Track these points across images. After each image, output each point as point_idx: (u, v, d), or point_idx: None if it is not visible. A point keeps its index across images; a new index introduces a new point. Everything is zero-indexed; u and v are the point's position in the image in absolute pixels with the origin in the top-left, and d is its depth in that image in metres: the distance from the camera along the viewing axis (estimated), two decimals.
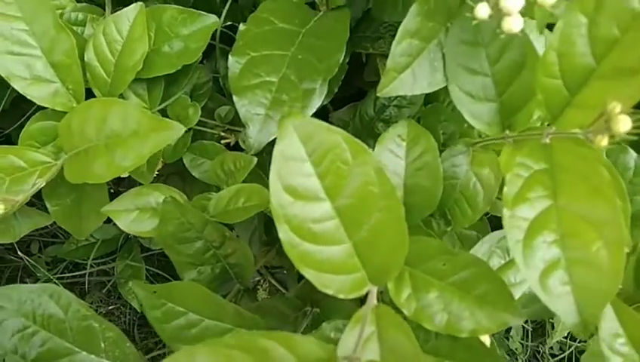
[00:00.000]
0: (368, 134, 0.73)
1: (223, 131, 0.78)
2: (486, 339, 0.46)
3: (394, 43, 0.50)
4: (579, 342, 1.13)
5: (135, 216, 0.65)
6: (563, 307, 0.35)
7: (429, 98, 0.68)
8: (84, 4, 0.69)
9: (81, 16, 0.68)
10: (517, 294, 0.54)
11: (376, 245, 0.37)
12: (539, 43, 0.49)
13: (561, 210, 0.36)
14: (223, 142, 0.77)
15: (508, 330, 1.12)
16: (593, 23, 0.38)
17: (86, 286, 1.10)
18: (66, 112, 0.60)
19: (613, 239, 0.34)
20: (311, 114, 0.55)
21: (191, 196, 0.70)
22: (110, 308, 1.13)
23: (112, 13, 0.66)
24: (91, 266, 1.05)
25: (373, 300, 0.38)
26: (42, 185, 0.58)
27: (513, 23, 0.41)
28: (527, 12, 0.41)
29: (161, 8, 0.65)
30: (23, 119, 0.73)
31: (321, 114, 0.56)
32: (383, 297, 0.42)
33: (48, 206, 0.64)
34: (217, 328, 0.53)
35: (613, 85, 0.38)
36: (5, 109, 0.75)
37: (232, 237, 0.63)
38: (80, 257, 1.04)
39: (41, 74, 0.60)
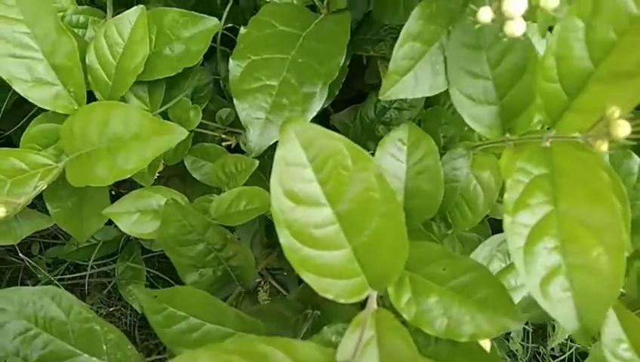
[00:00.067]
0: (369, 137, 0.73)
1: (224, 133, 0.78)
2: (486, 343, 0.47)
3: (396, 46, 0.51)
4: (579, 344, 1.13)
5: (136, 218, 0.65)
6: (563, 313, 0.34)
7: (430, 101, 0.68)
8: (86, 6, 0.69)
9: (82, 18, 0.68)
10: (517, 298, 0.54)
11: (376, 250, 0.38)
12: (541, 46, 0.49)
13: (561, 216, 0.36)
14: (223, 144, 0.77)
15: (508, 332, 1.12)
16: (590, 26, 0.39)
17: (86, 287, 1.10)
18: (67, 115, 0.60)
19: (614, 244, 0.34)
20: (311, 118, 0.55)
21: (192, 198, 0.70)
22: (111, 309, 1.13)
23: (113, 15, 0.66)
24: (92, 268, 1.05)
25: (373, 305, 0.38)
26: (44, 188, 0.58)
27: (516, 27, 0.41)
28: (529, 15, 0.42)
29: (162, 11, 0.65)
30: (23, 121, 0.73)
31: (322, 116, 0.56)
32: (384, 301, 0.42)
33: (49, 208, 0.65)
34: (218, 332, 0.53)
35: (611, 89, 0.38)
36: (6, 111, 0.76)
37: (233, 240, 0.64)
38: (81, 258, 1.04)
39: (43, 76, 0.60)
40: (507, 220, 0.37)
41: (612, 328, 0.43)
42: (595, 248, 0.35)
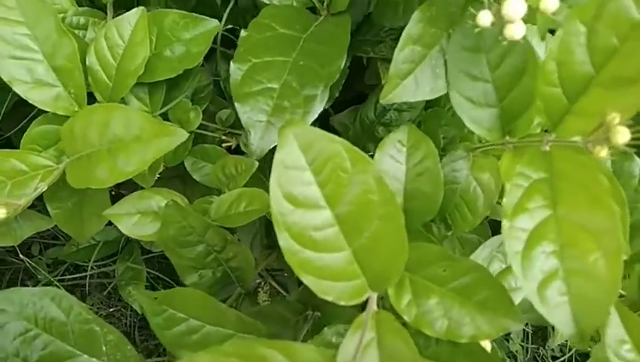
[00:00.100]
0: (369, 138, 0.73)
1: (224, 134, 0.78)
2: (487, 344, 0.47)
3: (397, 49, 0.51)
4: (577, 347, 1.13)
5: (136, 219, 0.65)
6: (560, 317, 0.35)
7: (430, 102, 0.68)
8: (86, 8, 0.69)
9: (82, 20, 0.68)
10: (517, 299, 0.54)
11: (375, 252, 0.38)
12: (540, 49, 0.49)
13: (560, 220, 0.36)
14: (224, 145, 0.77)
15: (508, 333, 1.12)
16: (592, 31, 0.39)
17: (87, 288, 1.11)
18: (67, 116, 0.60)
19: (612, 249, 0.34)
20: (312, 120, 0.55)
21: (192, 199, 0.70)
22: (111, 310, 1.13)
23: (113, 17, 0.66)
24: (92, 268, 1.05)
25: (373, 306, 0.38)
26: (44, 189, 0.58)
27: (515, 30, 0.41)
28: (529, 18, 0.42)
29: (162, 13, 0.65)
30: (24, 122, 0.74)
31: (322, 117, 0.56)
32: (384, 303, 0.42)
33: (49, 209, 0.65)
34: (218, 334, 0.53)
35: (612, 94, 0.38)
36: (6, 112, 0.76)
37: (233, 241, 0.64)
38: (81, 259, 1.04)
39: (43, 78, 0.60)
40: (505, 224, 0.37)
41: (615, 329, 0.43)
42: (592, 253, 0.35)
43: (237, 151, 0.78)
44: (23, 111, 0.72)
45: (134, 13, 0.62)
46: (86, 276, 1.07)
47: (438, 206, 0.52)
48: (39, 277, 1.07)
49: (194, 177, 0.75)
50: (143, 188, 0.67)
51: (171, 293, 0.55)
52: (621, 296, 0.50)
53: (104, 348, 0.49)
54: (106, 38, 0.62)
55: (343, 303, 0.37)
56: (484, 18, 0.42)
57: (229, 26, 0.73)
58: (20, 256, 0.99)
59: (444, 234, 0.56)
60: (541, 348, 1.16)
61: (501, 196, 0.53)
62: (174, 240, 0.61)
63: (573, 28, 0.39)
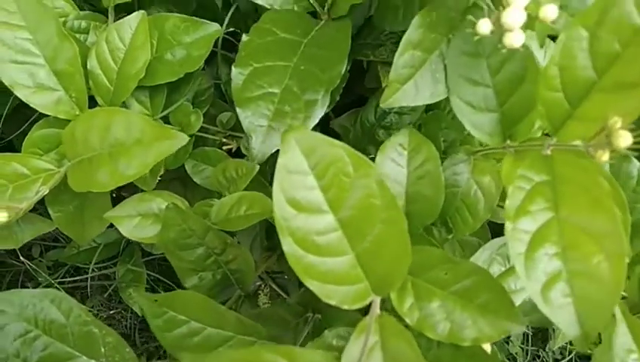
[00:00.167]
0: (369, 141, 0.73)
1: (225, 137, 0.78)
2: (487, 346, 0.47)
3: (396, 54, 0.51)
4: (580, 349, 1.13)
5: (137, 222, 0.65)
6: (564, 319, 0.35)
7: (430, 105, 0.69)
8: (87, 11, 0.69)
9: (84, 23, 0.68)
10: (517, 301, 0.54)
11: (379, 256, 0.38)
12: (539, 54, 0.50)
13: (562, 222, 0.37)
14: (224, 148, 0.77)
15: (508, 335, 1.12)
16: (594, 37, 0.39)
17: (87, 290, 1.11)
18: (68, 120, 0.60)
19: (614, 251, 0.35)
20: (314, 124, 0.55)
21: (192, 202, 0.70)
22: (111, 312, 1.13)
23: (114, 20, 0.66)
24: (92, 270, 1.05)
25: (376, 310, 0.39)
26: (45, 193, 0.58)
27: (515, 39, 0.41)
28: (528, 25, 0.42)
29: (163, 16, 0.66)
30: (25, 126, 0.74)
31: (322, 121, 0.56)
32: (385, 305, 0.42)
33: (51, 212, 0.65)
34: (219, 336, 0.53)
35: (614, 99, 0.38)
36: (7, 116, 0.76)
37: (233, 244, 0.64)
38: (81, 261, 1.04)
39: (45, 82, 0.60)
40: (508, 226, 0.37)
41: (622, 338, 0.44)
42: (595, 255, 0.35)
43: (238, 153, 0.78)
44: (24, 114, 0.72)
45: (135, 17, 0.62)
46: (86, 278, 1.07)
47: (439, 209, 0.52)
48: (40, 279, 1.07)
49: (194, 180, 0.75)
50: (143, 190, 0.67)
51: (172, 296, 0.55)
52: (622, 297, 0.50)
53: (103, 350, 0.50)
54: (107, 42, 0.62)
55: (346, 307, 0.38)
56: (484, 26, 0.42)
57: (230, 29, 0.73)
58: (21, 258, 0.99)
59: (445, 237, 0.56)
60: (541, 350, 1.16)
61: (501, 199, 0.53)
62: (174, 243, 0.61)
63: (575, 33, 0.39)
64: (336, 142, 0.38)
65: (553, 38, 0.48)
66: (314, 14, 0.63)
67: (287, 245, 0.36)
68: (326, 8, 0.63)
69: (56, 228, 0.66)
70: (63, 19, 0.67)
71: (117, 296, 1.11)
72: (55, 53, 0.60)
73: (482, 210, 0.54)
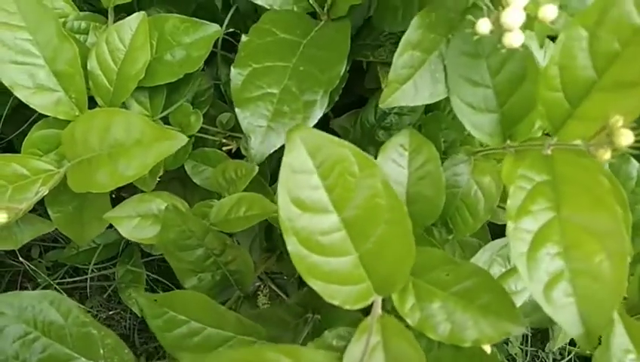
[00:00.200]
0: (369, 141, 0.73)
1: (225, 138, 0.78)
2: (487, 347, 0.47)
3: (396, 55, 0.51)
4: (579, 347, 1.13)
5: (137, 222, 0.65)
6: (567, 318, 0.35)
7: (430, 106, 0.69)
8: (87, 12, 0.69)
9: (84, 24, 0.68)
10: (518, 302, 0.54)
11: (382, 256, 0.38)
12: (539, 55, 0.50)
13: (564, 222, 0.37)
14: (224, 148, 0.77)
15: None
16: (594, 36, 0.39)
17: (87, 291, 1.10)
18: (68, 121, 0.60)
19: (616, 250, 0.35)
20: (312, 125, 0.55)
21: (192, 202, 0.70)
22: (110, 312, 1.13)
23: (114, 21, 0.66)
24: (92, 271, 1.05)
25: (378, 310, 0.39)
26: (45, 193, 0.58)
27: (514, 39, 0.41)
28: (527, 25, 0.42)
29: (163, 17, 0.66)
30: (25, 126, 0.74)
31: (322, 121, 0.56)
32: (386, 306, 0.42)
33: (50, 213, 0.65)
34: (219, 336, 0.53)
35: (614, 98, 0.39)
36: (7, 116, 0.76)
37: (232, 245, 0.64)
38: (80, 262, 1.04)
39: (44, 83, 0.60)
40: (510, 226, 0.37)
41: (620, 339, 0.44)
42: (597, 254, 0.35)
43: (237, 154, 0.78)
44: (23, 115, 0.72)
45: (135, 18, 0.62)
46: (86, 279, 1.07)
47: (440, 210, 0.52)
48: (39, 280, 1.07)
49: (194, 181, 0.75)
50: (143, 191, 0.67)
51: (172, 296, 0.55)
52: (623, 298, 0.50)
53: (102, 351, 0.50)
54: (107, 43, 0.62)
55: (348, 307, 0.38)
56: (483, 26, 0.43)
57: (230, 30, 0.73)
58: (20, 258, 0.99)
59: (446, 238, 0.56)
60: (540, 350, 1.16)
61: (502, 200, 0.54)
62: (174, 244, 0.61)
63: (575, 33, 0.40)
64: (342, 141, 0.38)
65: (552, 38, 0.48)
66: (313, 15, 0.64)
67: (292, 245, 0.37)
68: (325, 9, 0.63)
69: (56, 229, 0.66)
70: (62, 19, 0.67)
71: (116, 296, 1.10)
72: (55, 54, 0.60)
73: (482, 211, 0.54)
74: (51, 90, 0.60)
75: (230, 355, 0.31)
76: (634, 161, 0.58)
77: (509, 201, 0.38)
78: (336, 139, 0.38)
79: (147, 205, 0.65)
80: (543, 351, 1.16)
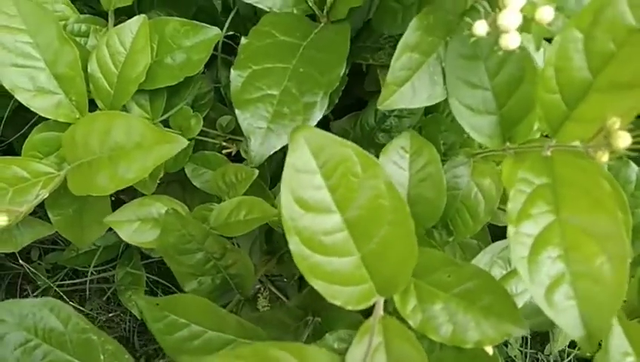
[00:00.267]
0: (369, 144, 0.74)
1: (225, 141, 0.78)
2: (489, 349, 0.47)
3: (394, 57, 0.51)
4: (578, 349, 1.13)
5: (137, 226, 0.65)
6: (568, 321, 0.35)
7: (429, 108, 0.69)
8: (87, 15, 0.69)
9: (84, 27, 0.68)
10: (519, 304, 0.54)
11: (384, 257, 0.38)
12: (537, 56, 0.50)
13: (564, 225, 0.37)
14: (224, 151, 0.77)
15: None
16: (589, 37, 0.39)
17: (86, 293, 1.10)
18: (69, 123, 0.60)
19: (617, 253, 0.35)
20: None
21: (191, 204, 0.70)
22: (110, 315, 1.13)
23: (115, 24, 0.67)
24: (91, 273, 1.05)
25: (380, 311, 0.39)
26: (45, 196, 0.58)
27: (511, 40, 0.41)
28: (524, 27, 0.42)
29: (163, 20, 0.66)
30: (25, 129, 0.74)
31: (322, 123, 0.56)
32: (387, 307, 0.42)
33: (50, 216, 0.65)
34: (220, 339, 0.53)
35: (610, 99, 0.39)
36: (8, 118, 0.76)
37: (232, 249, 0.64)
38: (80, 264, 1.04)
39: (45, 85, 0.60)
40: (511, 230, 0.37)
41: (618, 341, 0.44)
42: (598, 256, 0.35)
43: (237, 157, 0.78)
44: (24, 117, 0.72)
45: (136, 21, 0.63)
46: (85, 281, 1.07)
47: (441, 211, 0.52)
48: (38, 282, 1.07)
49: (194, 183, 0.75)
50: (143, 194, 0.67)
51: (173, 299, 0.55)
52: None
53: (102, 357, 0.50)
54: (108, 46, 0.62)
55: (350, 308, 0.38)
56: (480, 28, 0.43)
57: (230, 33, 0.73)
58: (20, 261, 0.99)
59: (446, 239, 0.56)
60: (540, 352, 1.16)
61: (502, 201, 0.54)
62: (174, 248, 0.61)
63: (570, 34, 0.40)
64: (346, 141, 0.38)
65: (550, 40, 0.48)
66: (313, 17, 0.64)
67: (294, 244, 0.37)
68: (325, 11, 0.63)
69: (55, 231, 0.66)
70: (63, 22, 0.67)
71: (116, 298, 1.10)
72: (55, 57, 0.60)
73: (483, 213, 0.54)
74: (52, 93, 0.60)
75: (237, 353, 0.31)
76: (633, 165, 0.58)
77: (509, 205, 0.38)
78: (339, 139, 0.38)
79: (147, 209, 0.65)
80: (543, 353, 1.16)
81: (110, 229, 0.66)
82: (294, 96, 0.56)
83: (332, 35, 0.61)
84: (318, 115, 0.56)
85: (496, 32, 0.42)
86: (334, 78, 0.57)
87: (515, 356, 1.13)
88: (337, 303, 0.37)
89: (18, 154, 0.62)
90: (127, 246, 1.03)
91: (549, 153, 0.42)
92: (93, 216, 0.66)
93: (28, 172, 0.59)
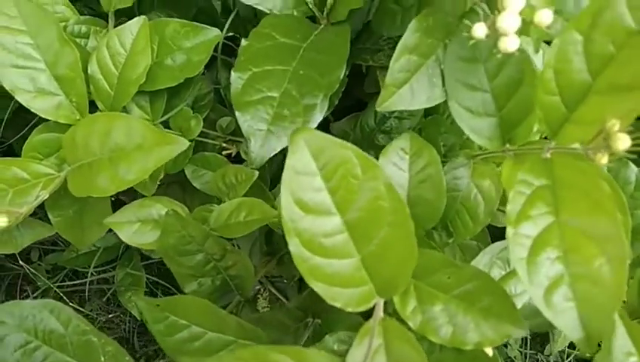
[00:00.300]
0: (369, 145, 0.74)
1: (225, 142, 0.78)
2: (489, 350, 0.47)
3: (392, 59, 0.51)
4: (578, 350, 1.14)
5: (137, 228, 0.65)
6: (567, 322, 0.35)
7: (429, 110, 0.69)
8: (88, 16, 0.69)
9: (84, 28, 0.69)
10: (518, 305, 0.54)
11: (384, 259, 0.38)
12: (536, 58, 0.50)
13: (563, 226, 0.37)
14: (224, 152, 0.78)
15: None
16: (588, 40, 0.39)
17: (86, 294, 1.10)
18: (69, 125, 0.60)
19: (616, 254, 0.35)
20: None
21: (191, 205, 0.70)
22: (110, 316, 1.13)
23: (115, 26, 0.67)
24: (91, 274, 1.05)
25: (380, 313, 0.39)
26: (45, 197, 0.58)
27: (510, 43, 0.42)
28: (523, 30, 0.42)
29: (164, 22, 0.66)
30: (25, 130, 0.74)
31: (322, 125, 0.56)
32: (387, 308, 0.43)
33: (51, 217, 0.65)
34: (220, 340, 0.53)
35: (610, 101, 0.39)
36: (8, 119, 0.76)
37: (232, 250, 0.64)
38: (80, 265, 1.04)
39: (45, 87, 0.60)
40: (510, 232, 0.37)
41: (621, 341, 0.44)
42: (597, 258, 0.35)
43: (237, 158, 0.78)
44: (24, 119, 0.72)
45: (136, 23, 0.63)
46: (85, 282, 1.07)
47: (441, 213, 0.52)
48: (38, 283, 1.07)
49: (194, 185, 0.75)
50: (143, 195, 0.67)
51: (173, 300, 0.55)
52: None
53: (102, 359, 0.50)
54: (108, 47, 0.62)
55: (350, 309, 0.38)
56: (479, 31, 0.43)
57: (230, 34, 0.73)
58: (20, 261, 0.99)
59: (446, 241, 0.57)
60: (539, 353, 1.16)
61: (501, 203, 0.54)
62: (174, 249, 0.61)
63: (569, 37, 0.40)
64: (346, 143, 0.38)
65: (549, 42, 0.48)
66: (313, 19, 0.64)
67: (294, 246, 0.37)
68: (325, 13, 0.63)
69: (56, 232, 0.66)
70: (63, 24, 0.67)
71: (116, 299, 1.10)
72: (56, 58, 0.60)
73: (482, 214, 0.54)
74: (52, 94, 0.61)
75: (237, 356, 0.32)
76: (632, 166, 0.58)
77: (508, 206, 0.38)
78: (339, 141, 0.38)
79: (147, 210, 0.65)
80: (543, 353, 1.16)
81: (110, 230, 0.66)
82: (294, 99, 0.56)
83: (332, 36, 0.61)
84: (318, 117, 0.56)
85: (495, 34, 0.42)
86: (334, 80, 0.57)
87: (514, 357, 1.13)
88: (337, 305, 0.37)
89: (18, 155, 0.62)
90: (127, 247, 1.03)
91: (548, 155, 0.42)
92: (94, 217, 0.66)
93: (28, 173, 0.59)
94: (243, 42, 0.59)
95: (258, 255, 0.82)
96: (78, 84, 0.61)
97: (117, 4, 0.66)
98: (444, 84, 0.51)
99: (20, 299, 1.10)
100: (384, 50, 0.69)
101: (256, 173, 0.66)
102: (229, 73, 0.58)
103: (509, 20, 0.41)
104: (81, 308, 1.10)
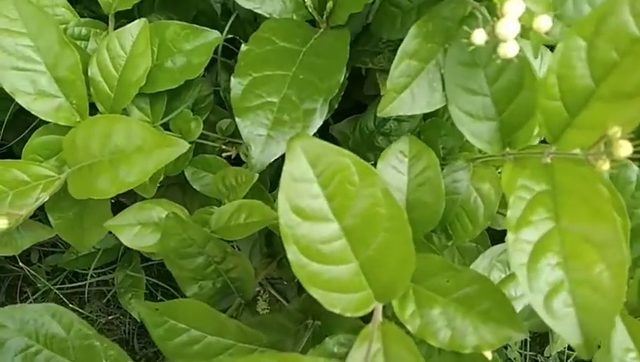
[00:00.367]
0: (368, 147, 0.74)
1: (224, 144, 0.78)
2: (488, 353, 0.47)
3: (393, 65, 0.51)
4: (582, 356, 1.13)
5: (137, 230, 0.65)
6: (567, 328, 0.35)
7: (429, 112, 0.69)
8: (88, 19, 0.69)
9: (84, 30, 0.69)
10: (518, 307, 0.54)
11: (382, 264, 0.38)
12: (535, 63, 0.50)
13: (563, 232, 0.37)
14: (224, 154, 0.78)
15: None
16: (592, 46, 0.39)
17: (86, 295, 1.10)
18: (69, 127, 0.60)
19: (615, 260, 0.35)
20: (312, 133, 0.55)
21: (191, 208, 0.70)
22: (110, 317, 1.13)
23: (115, 28, 0.67)
24: (91, 276, 1.05)
25: (378, 317, 0.39)
26: (45, 199, 0.58)
27: (509, 49, 0.42)
28: (523, 34, 0.42)
29: (164, 24, 0.66)
30: (26, 132, 0.74)
31: (321, 127, 0.56)
32: (386, 312, 0.43)
33: (51, 219, 0.65)
34: (219, 344, 0.54)
35: (612, 108, 0.39)
36: (8, 122, 0.76)
37: (233, 252, 0.64)
38: (80, 267, 1.04)
39: (46, 89, 0.60)
40: (510, 237, 0.37)
41: (620, 337, 0.44)
42: (597, 264, 0.35)
43: (237, 160, 0.78)
44: (24, 121, 0.72)
45: (136, 25, 0.63)
46: (85, 284, 1.07)
47: (440, 216, 0.52)
48: (38, 285, 1.07)
49: (194, 187, 0.75)
50: (143, 197, 0.67)
51: (172, 304, 0.55)
52: None
53: None
54: (108, 50, 0.62)
55: (349, 315, 0.38)
56: (479, 37, 0.43)
57: (230, 36, 0.73)
58: (20, 263, 0.99)
59: (445, 244, 0.57)
60: (539, 354, 1.16)
61: (501, 206, 0.54)
62: (175, 252, 0.61)
63: (573, 43, 0.40)
64: (343, 150, 0.38)
65: (551, 47, 0.48)
66: (312, 23, 0.64)
67: (292, 253, 0.37)
68: (325, 17, 0.63)
69: (56, 234, 0.66)
70: (63, 26, 0.67)
71: (115, 301, 1.10)
72: (56, 60, 0.60)
73: (482, 217, 0.55)
74: (52, 97, 0.61)
75: None
76: (633, 166, 0.58)
77: (508, 212, 0.38)
78: (336, 147, 0.38)
79: (147, 213, 0.65)
80: (542, 354, 1.16)
81: (110, 232, 0.66)
82: (294, 104, 0.56)
83: (332, 40, 0.61)
84: (318, 122, 0.56)
85: (494, 40, 0.42)
86: (334, 85, 0.57)
87: (514, 358, 1.13)
88: (336, 311, 0.37)
89: (18, 157, 0.62)
90: (127, 248, 1.03)
91: (549, 160, 0.42)
92: (94, 220, 0.66)
93: (28, 175, 0.59)
94: (243, 47, 0.59)
95: (258, 257, 0.82)
96: (78, 86, 0.61)
97: (117, 6, 0.66)
98: (444, 89, 0.51)
99: (19, 300, 1.10)
100: (384, 53, 0.69)
101: (256, 175, 0.66)
102: (229, 75, 0.57)
103: (508, 26, 0.41)
104: (80, 310, 1.10)
